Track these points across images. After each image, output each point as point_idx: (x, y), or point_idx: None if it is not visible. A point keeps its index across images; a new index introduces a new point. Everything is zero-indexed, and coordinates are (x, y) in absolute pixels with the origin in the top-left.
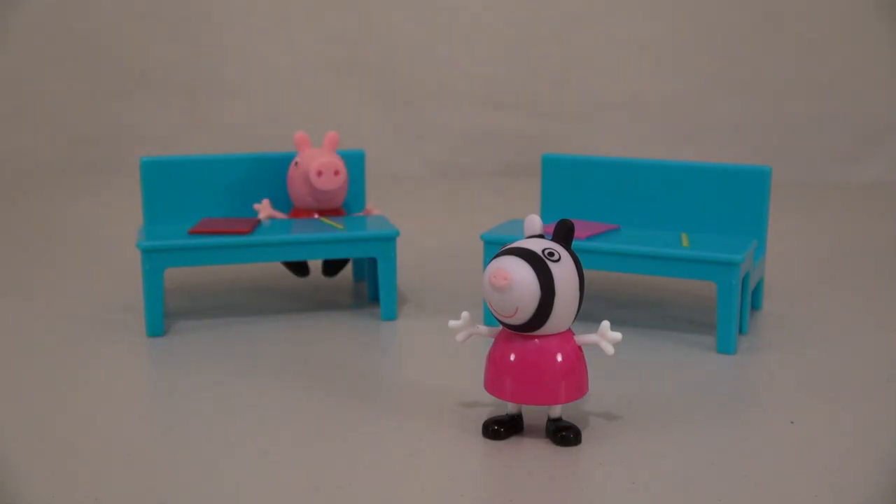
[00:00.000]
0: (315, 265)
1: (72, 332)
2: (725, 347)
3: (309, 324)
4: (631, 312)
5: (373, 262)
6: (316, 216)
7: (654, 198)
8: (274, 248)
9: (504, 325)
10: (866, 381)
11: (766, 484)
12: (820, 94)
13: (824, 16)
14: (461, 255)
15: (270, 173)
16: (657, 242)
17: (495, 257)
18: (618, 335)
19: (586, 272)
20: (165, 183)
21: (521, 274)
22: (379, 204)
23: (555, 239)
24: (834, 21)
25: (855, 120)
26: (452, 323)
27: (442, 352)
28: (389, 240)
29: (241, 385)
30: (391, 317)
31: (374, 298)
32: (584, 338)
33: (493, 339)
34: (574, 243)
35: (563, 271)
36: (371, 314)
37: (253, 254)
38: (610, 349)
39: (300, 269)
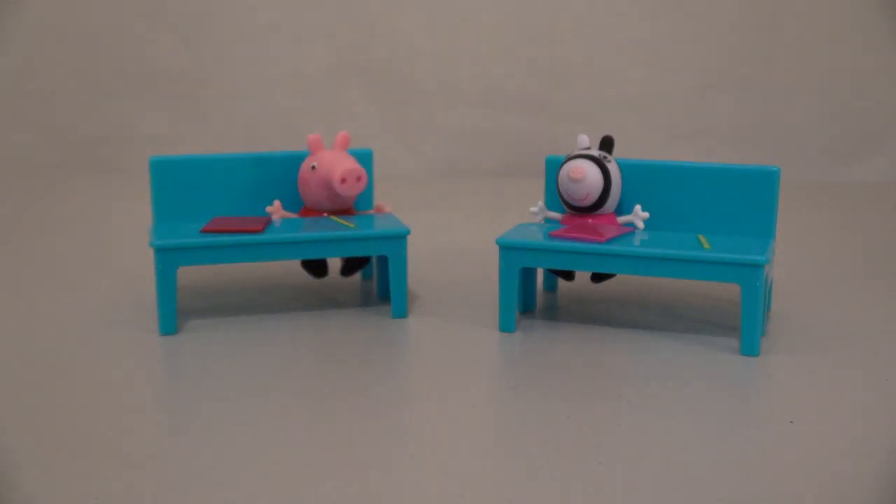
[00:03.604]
0: (333, 264)
1: (84, 331)
2: (749, 349)
3: (320, 322)
4: (645, 314)
5: (381, 260)
6: (325, 215)
7: (659, 199)
8: (286, 247)
9: (573, 209)
10: (866, 380)
11: (766, 484)
12: (820, 94)
13: (824, 16)
14: (462, 255)
15: (279, 173)
16: (678, 245)
17: (565, 162)
18: (646, 214)
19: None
20: (175, 182)
21: (591, 169)
22: None
23: (601, 149)
24: (834, 21)
25: (855, 120)
26: (532, 209)
27: (453, 349)
28: (400, 238)
29: (253, 383)
30: (402, 314)
31: (383, 297)
32: (622, 218)
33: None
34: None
35: (614, 168)
36: (381, 312)
37: (265, 252)
38: (640, 224)
39: (318, 269)
